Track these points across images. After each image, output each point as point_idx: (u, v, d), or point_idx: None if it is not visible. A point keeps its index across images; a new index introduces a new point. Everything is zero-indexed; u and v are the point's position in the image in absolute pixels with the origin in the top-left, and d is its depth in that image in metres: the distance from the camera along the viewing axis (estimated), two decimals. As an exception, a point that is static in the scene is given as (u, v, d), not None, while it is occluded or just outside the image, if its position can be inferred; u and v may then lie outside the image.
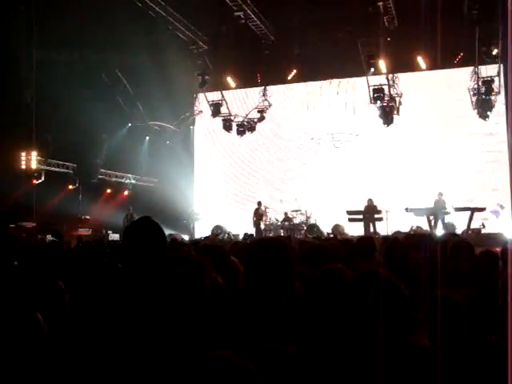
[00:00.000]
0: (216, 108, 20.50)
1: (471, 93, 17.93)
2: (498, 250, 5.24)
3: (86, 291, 3.10)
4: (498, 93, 17.43)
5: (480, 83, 17.46)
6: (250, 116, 20.73)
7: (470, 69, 17.97)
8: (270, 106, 20.85)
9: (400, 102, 18.79)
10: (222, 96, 20.66)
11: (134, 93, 20.25)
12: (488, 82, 17.23)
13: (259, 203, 18.86)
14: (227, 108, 20.74)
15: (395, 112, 18.60)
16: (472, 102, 17.96)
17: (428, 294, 2.58)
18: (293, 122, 21.75)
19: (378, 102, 18.38)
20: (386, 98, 18.34)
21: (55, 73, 15.49)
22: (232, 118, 20.61)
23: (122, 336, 2.21)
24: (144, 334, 2.05)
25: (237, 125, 20.56)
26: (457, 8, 16.23)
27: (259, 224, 18.40)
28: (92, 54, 17.49)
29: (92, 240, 13.51)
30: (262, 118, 20.58)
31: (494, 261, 4.33)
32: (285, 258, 2.67)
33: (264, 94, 20.76)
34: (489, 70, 17.50)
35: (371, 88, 18.45)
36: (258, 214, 18.64)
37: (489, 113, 17.54)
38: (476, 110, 17.81)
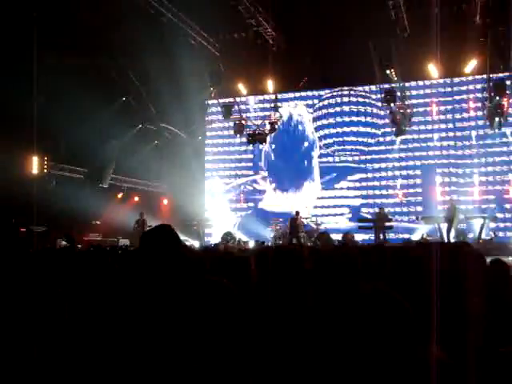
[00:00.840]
0: (227, 109, 20.53)
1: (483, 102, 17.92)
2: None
3: (95, 295, 3.12)
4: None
5: (491, 91, 17.36)
6: (261, 127, 20.80)
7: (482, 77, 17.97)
8: (281, 117, 20.91)
9: (411, 114, 18.84)
10: (234, 99, 20.70)
11: (145, 94, 20.33)
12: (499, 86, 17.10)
13: (297, 213, 18.50)
14: (239, 110, 20.79)
15: (406, 123, 18.67)
16: (484, 111, 17.92)
17: (439, 304, 2.57)
18: (303, 129, 21.76)
19: (391, 104, 18.42)
20: (398, 103, 18.40)
21: (68, 77, 15.58)
22: (243, 121, 20.63)
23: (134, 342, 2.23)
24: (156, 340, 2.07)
25: (248, 134, 20.56)
26: (468, 16, 16.24)
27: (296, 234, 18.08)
28: (104, 59, 17.60)
29: (104, 245, 13.58)
30: (273, 130, 20.63)
31: (504, 270, 4.31)
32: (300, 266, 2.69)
33: (275, 106, 20.82)
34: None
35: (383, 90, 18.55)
36: (296, 225, 18.21)
37: (501, 120, 17.42)
38: (488, 120, 17.75)
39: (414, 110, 19.15)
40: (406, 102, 18.69)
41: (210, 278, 2.43)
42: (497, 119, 17.11)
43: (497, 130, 17.58)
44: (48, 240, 14.82)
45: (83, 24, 15.58)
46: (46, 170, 17.90)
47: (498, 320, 2.98)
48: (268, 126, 20.64)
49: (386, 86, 18.51)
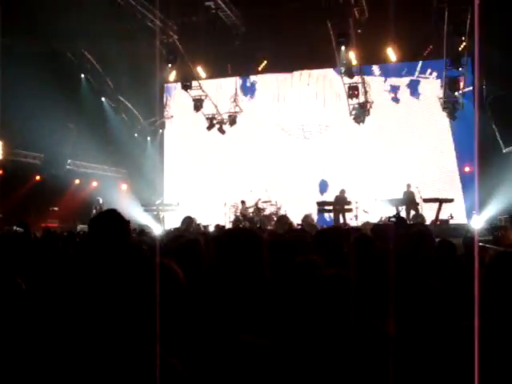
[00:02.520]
0: (198, 103, 20.39)
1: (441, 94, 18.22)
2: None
3: (48, 281, 3.06)
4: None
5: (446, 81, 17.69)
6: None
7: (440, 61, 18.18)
8: (241, 111, 20.97)
9: (371, 104, 19.07)
10: (201, 88, 20.50)
11: (103, 75, 20.00)
12: (454, 80, 17.43)
13: (242, 202, 18.83)
14: (212, 103, 20.71)
15: (367, 112, 18.93)
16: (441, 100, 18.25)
17: (394, 282, 2.59)
18: (263, 112, 21.73)
19: (354, 99, 18.56)
20: (361, 96, 18.57)
21: (21, 61, 15.20)
22: (216, 115, 20.68)
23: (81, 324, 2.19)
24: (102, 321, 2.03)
25: (208, 118, 20.67)
26: (427, 0, 16.37)
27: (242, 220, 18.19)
28: (59, 42, 17.21)
29: (62, 231, 13.37)
30: (233, 123, 20.74)
31: (451, 250, 4.42)
32: (256, 247, 2.67)
33: (235, 100, 20.83)
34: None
35: (346, 86, 18.58)
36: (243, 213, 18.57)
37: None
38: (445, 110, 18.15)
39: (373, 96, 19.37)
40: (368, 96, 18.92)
41: (160, 262, 2.39)
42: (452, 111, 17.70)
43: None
44: (3, 227, 14.48)
45: (38, 8, 15.18)
46: (0, 156, 17.48)
47: (452, 297, 3.03)
48: (227, 118, 20.77)
49: (350, 81, 18.55)
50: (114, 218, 2.79)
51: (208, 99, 20.71)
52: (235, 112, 20.83)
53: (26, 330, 2.27)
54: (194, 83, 20.03)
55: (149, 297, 2.02)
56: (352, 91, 18.44)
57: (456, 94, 17.53)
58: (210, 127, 20.76)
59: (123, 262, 2.39)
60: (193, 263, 3.07)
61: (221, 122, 20.98)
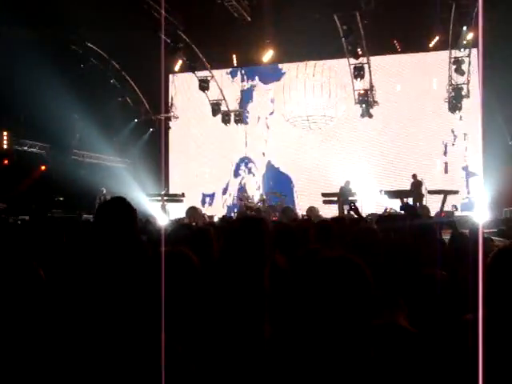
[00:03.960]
0: (205, 84, 20.42)
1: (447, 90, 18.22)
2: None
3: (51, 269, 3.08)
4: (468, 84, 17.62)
5: (452, 76, 17.67)
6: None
7: (446, 53, 18.10)
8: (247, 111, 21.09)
9: (374, 98, 19.03)
10: (208, 69, 20.48)
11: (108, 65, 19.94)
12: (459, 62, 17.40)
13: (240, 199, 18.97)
14: (218, 87, 20.74)
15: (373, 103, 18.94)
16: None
17: (402, 273, 2.60)
18: (268, 103, 21.69)
19: (359, 79, 18.51)
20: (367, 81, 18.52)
21: (26, 50, 15.19)
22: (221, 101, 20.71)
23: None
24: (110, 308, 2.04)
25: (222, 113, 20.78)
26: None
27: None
28: (64, 31, 17.18)
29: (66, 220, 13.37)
30: (239, 121, 20.83)
31: (464, 242, 4.39)
32: (262, 234, 2.69)
33: (241, 101, 20.89)
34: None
35: (352, 66, 18.55)
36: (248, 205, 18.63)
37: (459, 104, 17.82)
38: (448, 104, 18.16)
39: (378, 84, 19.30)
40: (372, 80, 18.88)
41: (170, 250, 2.40)
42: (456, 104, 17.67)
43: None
44: (9, 216, 14.53)
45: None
46: (6, 146, 17.51)
47: (460, 289, 3.02)
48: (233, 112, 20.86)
49: (356, 62, 18.50)
50: (122, 206, 2.78)
51: (213, 81, 20.66)
52: (240, 110, 20.91)
53: (43, 321, 2.28)
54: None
55: (161, 284, 2.03)
56: (357, 72, 18.42)
57: (461, 81, 17.50)
58: (214, 113, 20.69)
59: (133, 249, 2.39)
60: (204, 252, 3.08)
61: (227, 114, 20.98)
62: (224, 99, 20.98)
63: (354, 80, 18.77)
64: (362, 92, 18.69)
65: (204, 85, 20.36)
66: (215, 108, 20.68)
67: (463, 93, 17.68)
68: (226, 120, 21.14)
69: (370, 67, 18.52)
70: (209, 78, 20.46)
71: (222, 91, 21.03)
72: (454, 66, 17.60)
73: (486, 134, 18.37)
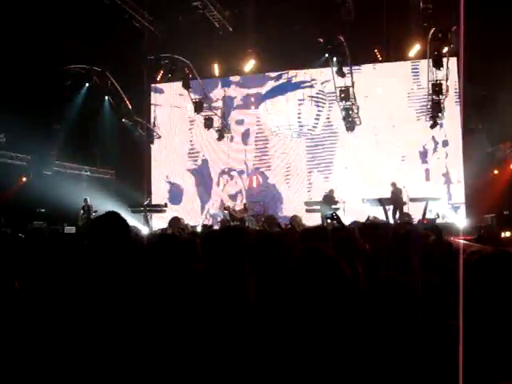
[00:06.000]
0: (199, 105, 20.31)
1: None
2: (452, 239, 5.41)
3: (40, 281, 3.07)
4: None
5: (430, 86, 17.79)
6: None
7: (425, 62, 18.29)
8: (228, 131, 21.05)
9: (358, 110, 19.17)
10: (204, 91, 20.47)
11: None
12: (438, 85, 17.55)
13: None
14: (200, 85, 20.59)
15: (357, 121, 19.07)
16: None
17: (379, 279, 2.61)
18: (250, 113, 21.74)
19: (344, 101, 18.62)
20: (351, 98, 18.60)
21: (3, 61, 15.12)
22: (213, 115, 20.60)
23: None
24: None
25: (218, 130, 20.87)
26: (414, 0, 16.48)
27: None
28: (44, 44, 17.07)
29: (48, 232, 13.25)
30: (220, 137, 20.77)
31: (446, 249, 4.44)
32: (244, 244, 2.70)
33: (223, 117, 20.82)
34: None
35: (338, 89, 18.62)
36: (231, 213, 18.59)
37: (439, 115, 17.95)
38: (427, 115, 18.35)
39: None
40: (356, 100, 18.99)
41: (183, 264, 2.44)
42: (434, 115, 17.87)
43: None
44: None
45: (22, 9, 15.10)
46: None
47: (444, 295, 3.04)
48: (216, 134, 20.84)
49: (341, 84, 18.57)
50: (116, 220, 2.78)
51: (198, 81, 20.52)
52: (223, 126, 20.88)
53: (21, 331, 2.27)
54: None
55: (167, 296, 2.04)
56: (344, 94, 18.49)
57: (440, 96, 17.61)
58: (197, 110, 20.44)
59: (127, 263, 2.38)
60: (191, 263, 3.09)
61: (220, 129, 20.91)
62: (205, 96, 20.71)
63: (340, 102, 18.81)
64: (347, 107, 18.78)
65: (186, 83, 20.15)
66: (199, 106, 20.41)
67: (442, 105, 17.78)
68: (221, 136, 20.97)
69: (353, 87, 18.58)
70: (202, 100, 20.33)
71: (204, 89, 20.69)
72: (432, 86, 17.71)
73: (466, 141, 18.62)
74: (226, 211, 19.01)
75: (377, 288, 2.37)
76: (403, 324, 2.36)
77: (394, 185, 17.14)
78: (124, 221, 2.83)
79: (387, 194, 16.90)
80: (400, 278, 2.45)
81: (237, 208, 19.02)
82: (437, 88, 17.44)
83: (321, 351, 1.82)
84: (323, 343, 1.83)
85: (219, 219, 18.89)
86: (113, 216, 2.81)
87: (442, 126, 18.87)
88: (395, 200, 16.62)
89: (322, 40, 17.28)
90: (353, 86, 18.50)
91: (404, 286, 2.44)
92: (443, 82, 17.42)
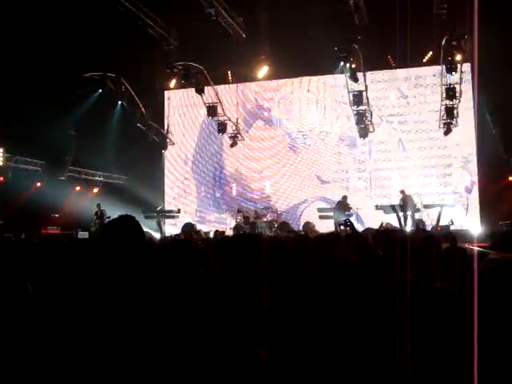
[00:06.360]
0: (212, 110, 20.35)
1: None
2: (466, 246, 5.36)
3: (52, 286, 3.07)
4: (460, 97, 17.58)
5: (443, 90, 17.64)
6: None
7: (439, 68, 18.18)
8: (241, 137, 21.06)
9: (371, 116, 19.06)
10: (218, 96, 20.52)
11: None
12: (452, 89, 17.41)
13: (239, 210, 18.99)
14: (222, 109, 20.63)
15: (370, 127, 18.95)
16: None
17: (398, 285, 2.59)
18: (264, 119, 21.73)
19: (356, 106, 18.51)
20: (364, 102, 18.48)
21: (21, 68, 15.26)
22: (227, 120, 20.58)
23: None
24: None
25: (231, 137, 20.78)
26: (427, 7, 16.40)
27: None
28: (60, 51, 17.22)
29: (62, 238, 13.36)
30: (234, 144, 20.74)
31: (461, 256, 4.38)
32: (257, 251, 2.69)
33: (237, 123, 20.77)
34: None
35: (351, 94, 18.52)
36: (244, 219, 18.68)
37: (453, 122, 17.80)
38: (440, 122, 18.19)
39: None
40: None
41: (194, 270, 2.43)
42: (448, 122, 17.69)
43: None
44: (3, 234, 14.49)
45: (38, 16, 15.26)
46: (1, 163, 17.50)
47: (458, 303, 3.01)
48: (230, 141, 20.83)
49: (355, 89, 18.49)
50: (131, 224, 2.76)
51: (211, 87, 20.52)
52: (237, 133, 20.84)
53: (32, 334, 2.28)
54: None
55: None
56: (357, 99, 18.40)
57: (454, 101, 17.47)
58: (211, 115, 20.45)
59: (142, 267, 2.37)
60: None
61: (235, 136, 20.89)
62: (218, 101, 20.70)
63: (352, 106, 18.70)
64: (361, 112, 18.65)
65: (221, 128, 20.35)
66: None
67: (455, 111, 17.61)
68: (234, 143, 20.95)
69: (367, 91, 18.47)
70: (216, 104, 20.34)
71: (217, 95, 20.71)
72: (445, 90, 17.55)
73: (480, 147, 18.47)
74: (239, 213, 19.03)
75: (400, 293, 2.35)
76: (425, 331, 2.33)
77: (403, 192, 17.07)
78: (138, 224, 2.80)
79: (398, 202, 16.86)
80: (423, 284, 2.43)
81: (251, 214, 19.04)
82: (450, 92, 17.29)
83: (346, 358, 1.81)
84: (349, 350, 1.82)
85: (232, 225, 18.87)
86: (127, 219, 2.80)
87: (455, 132, 18.73)
88: (405, 207, 16.54)
89: (336, 48, 17.21)
90: (366, 91, 18.40)
91: (428, 292, 2.42)
92: (456, 86, 17.28)
